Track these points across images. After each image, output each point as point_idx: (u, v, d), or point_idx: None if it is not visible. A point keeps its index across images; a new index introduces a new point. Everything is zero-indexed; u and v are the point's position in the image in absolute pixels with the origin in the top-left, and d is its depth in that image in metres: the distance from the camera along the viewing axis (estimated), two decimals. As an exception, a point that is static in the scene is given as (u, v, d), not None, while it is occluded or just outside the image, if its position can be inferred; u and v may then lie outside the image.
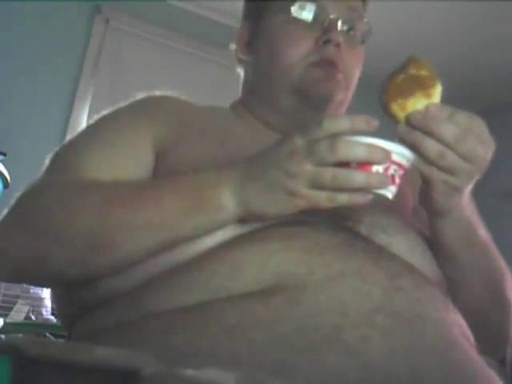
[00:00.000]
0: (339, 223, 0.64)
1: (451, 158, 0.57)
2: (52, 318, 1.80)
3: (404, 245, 0.66)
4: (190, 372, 0.35)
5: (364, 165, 0.53)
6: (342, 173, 0.54)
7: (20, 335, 0.37)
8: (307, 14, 0.78)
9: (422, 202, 0.67)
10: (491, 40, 2.82)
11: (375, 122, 0.55)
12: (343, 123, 0.55)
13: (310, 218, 0.62)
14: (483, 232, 0.73)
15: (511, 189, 3.29)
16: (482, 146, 0.59)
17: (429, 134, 0.57)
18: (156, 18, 2.85)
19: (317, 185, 0.54)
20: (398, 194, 0.58)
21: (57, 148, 0.74)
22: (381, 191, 0.55)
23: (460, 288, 0.71)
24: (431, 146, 0.57)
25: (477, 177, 0.62)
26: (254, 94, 0.84)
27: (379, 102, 0.61)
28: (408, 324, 0.53)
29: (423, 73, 0.59)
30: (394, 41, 2.90)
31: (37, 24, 2.61)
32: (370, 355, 0.49)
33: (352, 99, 0.85)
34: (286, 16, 0.79)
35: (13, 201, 0.67)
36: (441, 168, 0.58)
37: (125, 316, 0.58)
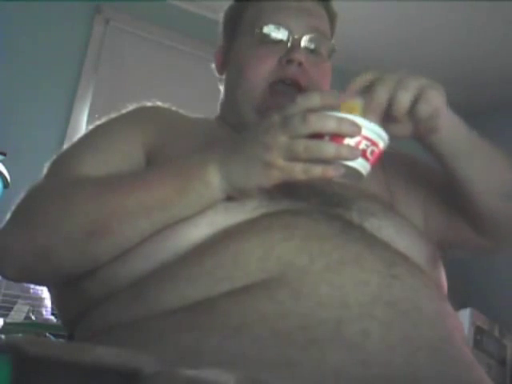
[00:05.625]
0: (332, 210, 0.66)
1: (410, 79, 0.61)
2: (52, 317, 1.80)
3: (392, 227, 0.69)
4: (190, 372, 0.35)
5: (336, 138, 0.56)
6: (313, 143, 0.56)
7: (20, 335, 0.37)
8: (272, 35, 0.81)
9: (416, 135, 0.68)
10: (491, 40, 2.82)
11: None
12: (315, 99, 0.58)
13: (306, 206, 0.65)
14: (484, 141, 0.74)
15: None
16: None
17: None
18: (156, 18, 2.85)
19: (291, 156, 0.57)
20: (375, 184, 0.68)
21: (54, 156, 0.77)
22: (354, 165, 0.57)
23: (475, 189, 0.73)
24: (388, 79, 0.61)
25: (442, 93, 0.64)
26: (228, 110, 0.88)
27: None
28: (404, 315, 0.54)
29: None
30: (394, 41, 2.90)
31: (37, 24, 2.61)
32: (370, 351, 0.50)
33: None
34: (253, 38, 0.82)
35: (14, 205, 0.69)
36: (406, 87, 0.61)
37: (129, 312, 0.59)
